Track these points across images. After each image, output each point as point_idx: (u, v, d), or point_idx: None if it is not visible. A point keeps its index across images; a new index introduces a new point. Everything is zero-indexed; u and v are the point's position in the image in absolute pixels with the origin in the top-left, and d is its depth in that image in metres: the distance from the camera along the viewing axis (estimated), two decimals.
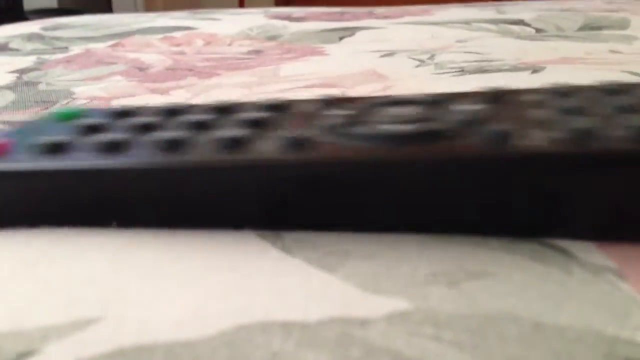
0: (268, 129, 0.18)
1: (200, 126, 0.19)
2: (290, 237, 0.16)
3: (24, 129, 0.21)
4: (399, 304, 0.13)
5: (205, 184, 0.17)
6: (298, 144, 0.16)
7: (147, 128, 0.19)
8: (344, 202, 0.16)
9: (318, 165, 0.16)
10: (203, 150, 0.17)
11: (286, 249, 0.16)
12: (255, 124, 0.19)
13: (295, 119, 0.19)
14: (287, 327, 0.12)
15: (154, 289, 0.14)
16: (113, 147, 0.18)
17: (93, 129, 0.20)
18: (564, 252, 0.15)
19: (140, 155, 0.17)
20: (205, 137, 0.18)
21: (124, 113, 0.21)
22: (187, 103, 0.22)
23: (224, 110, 0.20)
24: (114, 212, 0.18)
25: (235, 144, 0.17)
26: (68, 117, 0.21)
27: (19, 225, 0.18)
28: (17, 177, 0.18)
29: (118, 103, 0.34)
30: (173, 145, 0.17)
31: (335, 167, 0.16)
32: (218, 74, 0.41)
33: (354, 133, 0.17)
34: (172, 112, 0.21)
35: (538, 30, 0.55)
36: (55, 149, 0.18)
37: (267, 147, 0.17)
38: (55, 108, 0.22)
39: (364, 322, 0.12)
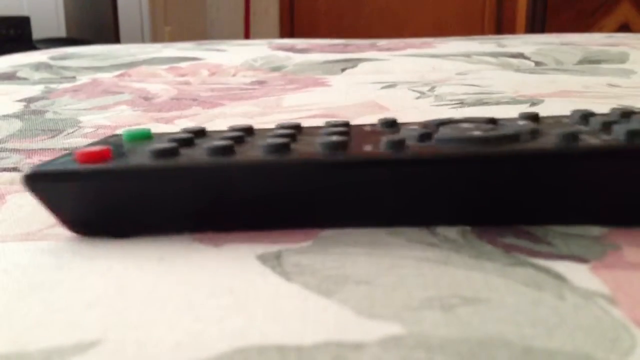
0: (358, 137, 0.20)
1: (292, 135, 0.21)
2: (290, 262, 0.17)
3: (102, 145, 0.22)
4: (392, 329, 0.13)
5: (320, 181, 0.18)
6: (398, 144, 0.18)
7: (240, 140, 0.21)
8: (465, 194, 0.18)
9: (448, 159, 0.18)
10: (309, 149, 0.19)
11: (285, 274, 0.16)
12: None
13: (370, 133, 0.21)
14: (283, 351, 0.13)
15: (155, 312, 0.15)
16: (223, 150, 0.19)
17: (183, 142, 0.21)
18: (558, 277, 0.15)
19: (256, 154, 0.19)
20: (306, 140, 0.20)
21: (197, 133, 0.22)
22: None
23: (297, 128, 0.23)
24: (231, 210, 0.19)
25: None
26: (138, 137, 0.22)
27: (133, 226, 0.19)
28: (137, 176, 0.19)
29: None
30: (282, 147, 0.19)
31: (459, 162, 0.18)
32: (222, 104, 0.41)
33: (445, 138, 0.19)
34: (247, 131, 0.22)
35: (537, 64, 0.56)
36: (165, 153, 0.19)
37: (374, 148, 0.19)
38: (122, 131, 0.23)
39: (358, 346, 0.13)
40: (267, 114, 0.38)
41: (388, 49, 0.67)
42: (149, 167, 0.19)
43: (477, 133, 0.19)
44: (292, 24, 2.37)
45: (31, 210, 0.23)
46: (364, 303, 0.14)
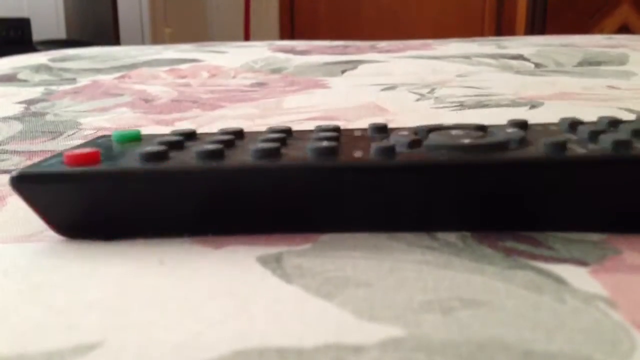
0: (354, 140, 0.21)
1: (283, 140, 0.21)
2: (290, 264, 0.17)
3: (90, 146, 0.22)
4: (392, 331, 0.13)
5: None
6: (388, 151, 0.18)
7: (230, 144, 0.21)
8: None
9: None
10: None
11: (285, 277, 0.16)
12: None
13: (358, 140, 0.21)
14: (283, 353, 0.13)
15: (155, 314, 0.15)
16: (212, 154, 0.19)
17: (173, 145, 0.21)
18: (558, 280, 0.15)
19: (247, 159, 0.19)
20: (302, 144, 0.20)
21: (187, 135, 0.22)
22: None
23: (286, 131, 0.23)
24: (226, 214, 0.19)
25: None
26: (127, 139, 0.22)
27: (123, 232, 0.19)
28: (126, 179, 0.19)
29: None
30: (273, 153, 0.19)
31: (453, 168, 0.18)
32: (222, 106, 0.41)
33: (434, 145, 0.19)
34: (237, 134, 0.22)
35: (537, 65, 0.56)
36: (154, 157, 0.19)
37: (364, 155, 0.19)
38: (115, 132, 0.23)
39: (357, 349, 0.13)
40: (267, 116, 0.38)
41: (388, 51, 0.67)
42: (137, 171, 0.19)
43: (465, 141, 0.19)
44: (292, 26, 2.37)
45: (31, 212, 0.23)
46: (364, 306, 0.15)
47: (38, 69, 0.62)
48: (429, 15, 2.28)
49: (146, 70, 0.59)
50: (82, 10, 1.88)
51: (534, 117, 0.35)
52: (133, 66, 0.61)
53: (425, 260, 0.17)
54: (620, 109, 0.36)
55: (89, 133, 0.35)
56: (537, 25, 2.05)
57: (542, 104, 0.38)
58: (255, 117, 0.37)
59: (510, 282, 0.15)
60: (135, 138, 0.22)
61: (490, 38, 0.80)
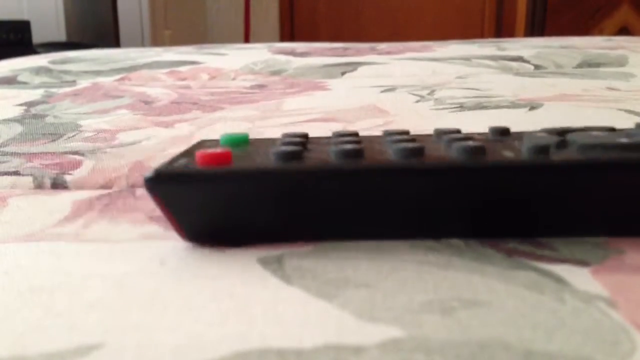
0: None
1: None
2: (291, 265, 0.17)
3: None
4: (392, 332, 0.13)
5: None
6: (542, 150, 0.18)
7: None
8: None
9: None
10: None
11: (285, 278, 0.16)
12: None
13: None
14: (282, 354, 0.13)
15: (155, 315, 0.15)
16: (350, 153, 0.18)
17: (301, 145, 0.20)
18: (558, 280, 0.15)
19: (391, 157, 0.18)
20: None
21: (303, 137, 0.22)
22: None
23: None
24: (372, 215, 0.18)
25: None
26: (234, 142, 0.22)
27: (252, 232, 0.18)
28: (265, 179, 0.18)
29: (123, 136, 0.35)
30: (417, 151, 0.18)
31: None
32: (222, 108, 0.41)
33: (589, 143, 0.18)
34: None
35: (537, 67, 0.56)
36: (292, 156, 0.18)
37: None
38: (225, 134, 0.22)
39: (357, 350, 0.13)
40: (267, 118, 0.38)
41: (388, 53, 0.67)
42: (277, 170, 0.18)
43: (623, 140, 0.18)
44: (292, 28, 2.37)
45: (32, 212, 0.23)
46: (364, 307, 0.15)
47: (38, 71, 0.62)
48: (428, 17, 2.28)
49: (146, 73, 0.59)
50: (82, 13, 1.88)
51: (534, 118, 0.35)
52: (133, 68, 0.61)
53: (426, 260, 0.17)
54: (620, 110, 0.36)
55: (89, 135, 0.35)
56: (537, 27, 2.06)
57: (541, 105, 0.38)
58: (255, 119, 0.38)
59: (510, 282, 0.15)
60: (244, 141, 0.22)
61: (490, 40, 0.80)
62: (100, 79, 0.57)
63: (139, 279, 0.16)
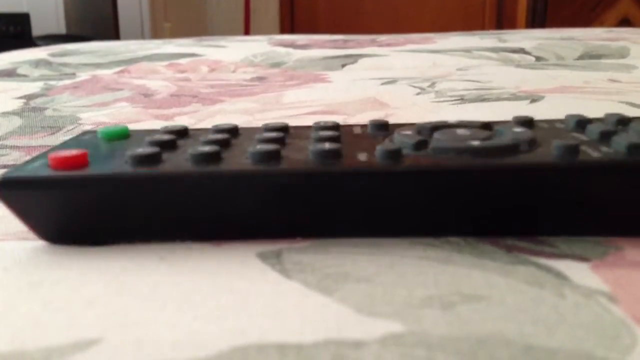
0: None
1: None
2: (290, 260, 0.17)
3: (71, 145, 0.21)
4: (393, 327, 0.13)
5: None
6: (394, 155, 0.18)
7: (226, 143, 0.20)
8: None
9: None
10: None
11: (285, 272, 0.16)
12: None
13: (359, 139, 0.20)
14: (282, 349, 0.13)
15: (154, 311, 0.14)
16: (209, 157, 0.18)
17: (166, 145, 0.20)
18: (558, 275, 0.15)
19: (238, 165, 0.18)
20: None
21: (179, 133, 0.21)
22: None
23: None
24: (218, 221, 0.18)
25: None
26: (115, 136, 0.21)
27: (117, 238, 0.18)
28: (116, 185, 0.18)
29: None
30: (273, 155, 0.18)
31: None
32: (222, 101, 0.41)
33: (442, 147, 0.18)
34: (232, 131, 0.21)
35: (538, 59, 0.56)
36: (146, 160, 0.18)
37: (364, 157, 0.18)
38: (100, 128, 0.22)
39: (358, 344, 0.13)
40: (267, 110, 0.38)
41: (388, 45, 0.67)
42: (129, 176, 0.18)
43: (474, 143, 0.18)
44: (292, 20, 2.36)
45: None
46: (364, 301, 0.14)
47: (37, 63, 0.61)
48: (429, 8, 2.27)
49: (146, 65, 0.59)
50: (82, 5, 1.87)
51: (535, 110, 0.34)
52: (133, 61, 0.61)
53: (426, 255, 0.17)
54: (621, 102, 0.35)
55: (88, 128, 0.35)
56: (538, 19, 2.05)
57: (542, 97, 0.38)
58: (255, 112, 0.37)
59: (510, 277, 0.15)
60: (123, 135, 0.21)
61: (491, 31, 0.80)
62: (100, 72, 0.57)
63: (138, 274, 0.16)
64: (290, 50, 0.65)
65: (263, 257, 0.17)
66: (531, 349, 0.12)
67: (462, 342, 0.13)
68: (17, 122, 0.37)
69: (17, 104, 0.42)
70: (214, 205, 0.18)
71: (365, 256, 0.17)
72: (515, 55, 0.57)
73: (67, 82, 0.52)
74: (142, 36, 1.90)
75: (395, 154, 0.18)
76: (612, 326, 0.13)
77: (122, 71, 0.57)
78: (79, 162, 0.18)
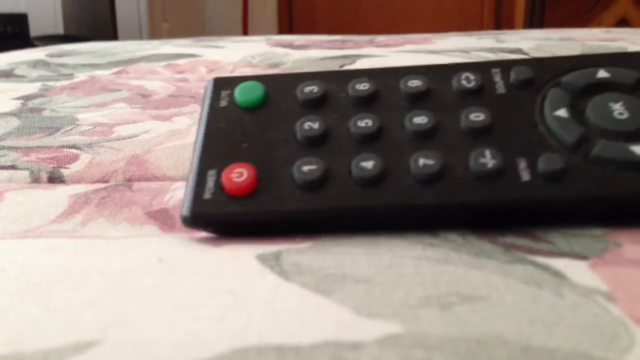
0: None
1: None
2: (289, 261, 0.17)
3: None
4: (391, 328, 0.13)
5: None
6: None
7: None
8: None
9: None
10: None
11: (283, 274, 0.16)
12: None
13: None
14: (281, 351, 0.13)
15: (153, 312, 0.14)
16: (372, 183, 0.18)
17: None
18: (557, 274, 0.15)
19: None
20: None
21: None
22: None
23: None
24: None
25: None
26: (250, 104, 0.21)
27: None
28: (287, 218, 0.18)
29: (121, 129, 0.35)
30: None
31: None
32: None
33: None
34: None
35: None
36: (313, 185, 0.18)
37: None
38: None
39: (356, 346, 0.13)
40: None
41: (386, 45, 0.67)
42: (299, 208, 0.18)
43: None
44: (290, 20, 2.36)
45: (29, 207, 0.23)
46: (362, 302, 0.14)
47: (35, 64, 0.61)
48: (427, 9, 2.27)
49: (144, 66, 0.59)
50: (80, 6, 1.87)
51: None
52: (131, 61, 0.61)
53: (424, 255, 0.17)
54: None
55: (86, 129, 0.35)
56: (536, 19, 2.05)
57: None
58: None
59: (509, 276, 0.15)
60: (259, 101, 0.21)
61: (489, 32, 0.80)
62: (98, 72, 0.57)
63: (137, 276, 0.16)
64: (289, 50, 0.65)
65: (262, 258, 0.17)
66: (529, 349, 0.12)
67: (461, 342, 0.13)
68: (14, 122, 0.37)
69: (15, 105, 0.42)
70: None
71: (364, 256, 0.17)
72: (513, 56, 0.57)
73: (64, 82, 0.52)
74: (140, 37, 1.90)
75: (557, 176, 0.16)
76: (610, 326, 0.13)
77: (120, 72, 0.57)
78: (250, 188, 0.18)
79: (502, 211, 0.17)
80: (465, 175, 0.17)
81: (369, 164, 0.18)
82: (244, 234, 0.19)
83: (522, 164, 0.17)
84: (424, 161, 0.18)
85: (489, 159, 0.17)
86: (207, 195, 0.19)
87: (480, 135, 0.18)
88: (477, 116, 0.18)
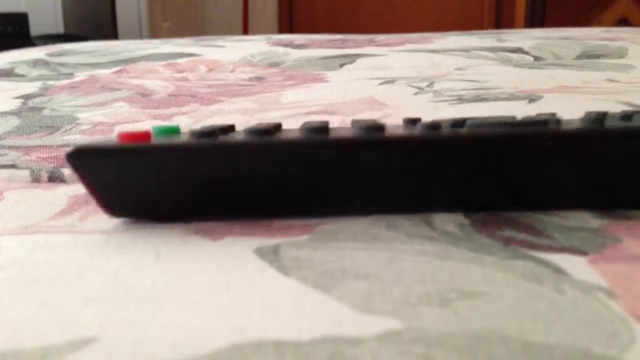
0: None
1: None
2: (288, 256, 0.17)
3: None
4: (390, 324, 0.13)
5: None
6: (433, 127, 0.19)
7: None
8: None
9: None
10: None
11: (282, 269, 0.16)
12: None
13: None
14: (280, 347, 0.13)
15: (151, 309, 0.14)
16: (263, 132, 0.19)
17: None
18: (557, 270, 0.15)
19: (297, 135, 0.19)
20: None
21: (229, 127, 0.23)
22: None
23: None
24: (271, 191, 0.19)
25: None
26: (167, 132, 0.22)
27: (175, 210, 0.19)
28: (181, 153, 0.19)
29: (121, 129, 0.34)
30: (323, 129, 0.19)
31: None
32: (220, 100, 0.41)
33: (477, 124, 0.20)
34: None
35: (536, 59, 0.56)
36: (207, 135, 0.19)
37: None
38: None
39: (355, 341, 0.13)
40: (265, 110, 0.38)
41: (386, 45, 0.67)
42: (191, 145, 0.19)
43: (510, 119, 0.20)
44: (290, 20, 2.36)
45: (28, 206, 0.22)
46: (361, 298, 0.14)
47: (35, 63, 0.61)
48: (428, 8, 2.27)
49: (144, 65, 0.59)
50: (80, 5, 1.87)
51: (534, 110, 0.34)
52: (131, 60, 0.61)
53: (423, 250, 0.17)
54: (620, 102, 0.35)
55: (86, 128, 0.35)
56: (537, 18, 2.05)
57: (541, 97, 0.38)
58: (254, 112, 0.37)
59: (509, 272, 0.15)
60: (174, 132, 0.23)
61: (490, 31, 0.80)
62: (98, 72, 0.57)
63: (135, 272, 0.16)
64: (289, 50, 0.65)
65: (260, 253, 0.17)
66: (529, 346, 0.12)
67: (460, 338, 0.13)
68: (15, 121, 0.37)
69: (15, 104, 0.42)
70: (266, 177, 0.19)
71: (363, 251, 0.17)
72: (514, 55, 0.57)
73: (65, 81, 0.51)
74: (140, 36, 1.90)
75: (433, 127, 0.19)
76: (610, 322, 0.13)
77: (120, 71, 0.57)
78: (145, 137, 0.20)
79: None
80: None
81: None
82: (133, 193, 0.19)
83: None
84: None
85: None
86: (100, 142, 0.20)
87: None
88: None
